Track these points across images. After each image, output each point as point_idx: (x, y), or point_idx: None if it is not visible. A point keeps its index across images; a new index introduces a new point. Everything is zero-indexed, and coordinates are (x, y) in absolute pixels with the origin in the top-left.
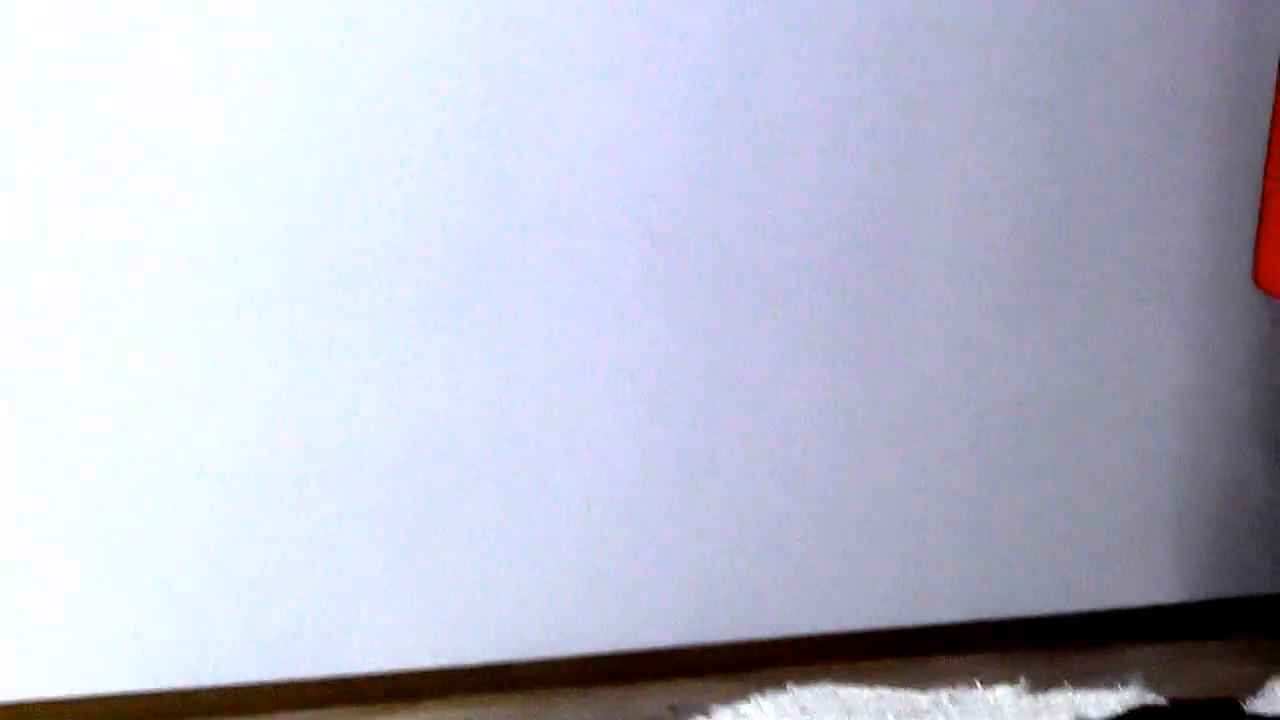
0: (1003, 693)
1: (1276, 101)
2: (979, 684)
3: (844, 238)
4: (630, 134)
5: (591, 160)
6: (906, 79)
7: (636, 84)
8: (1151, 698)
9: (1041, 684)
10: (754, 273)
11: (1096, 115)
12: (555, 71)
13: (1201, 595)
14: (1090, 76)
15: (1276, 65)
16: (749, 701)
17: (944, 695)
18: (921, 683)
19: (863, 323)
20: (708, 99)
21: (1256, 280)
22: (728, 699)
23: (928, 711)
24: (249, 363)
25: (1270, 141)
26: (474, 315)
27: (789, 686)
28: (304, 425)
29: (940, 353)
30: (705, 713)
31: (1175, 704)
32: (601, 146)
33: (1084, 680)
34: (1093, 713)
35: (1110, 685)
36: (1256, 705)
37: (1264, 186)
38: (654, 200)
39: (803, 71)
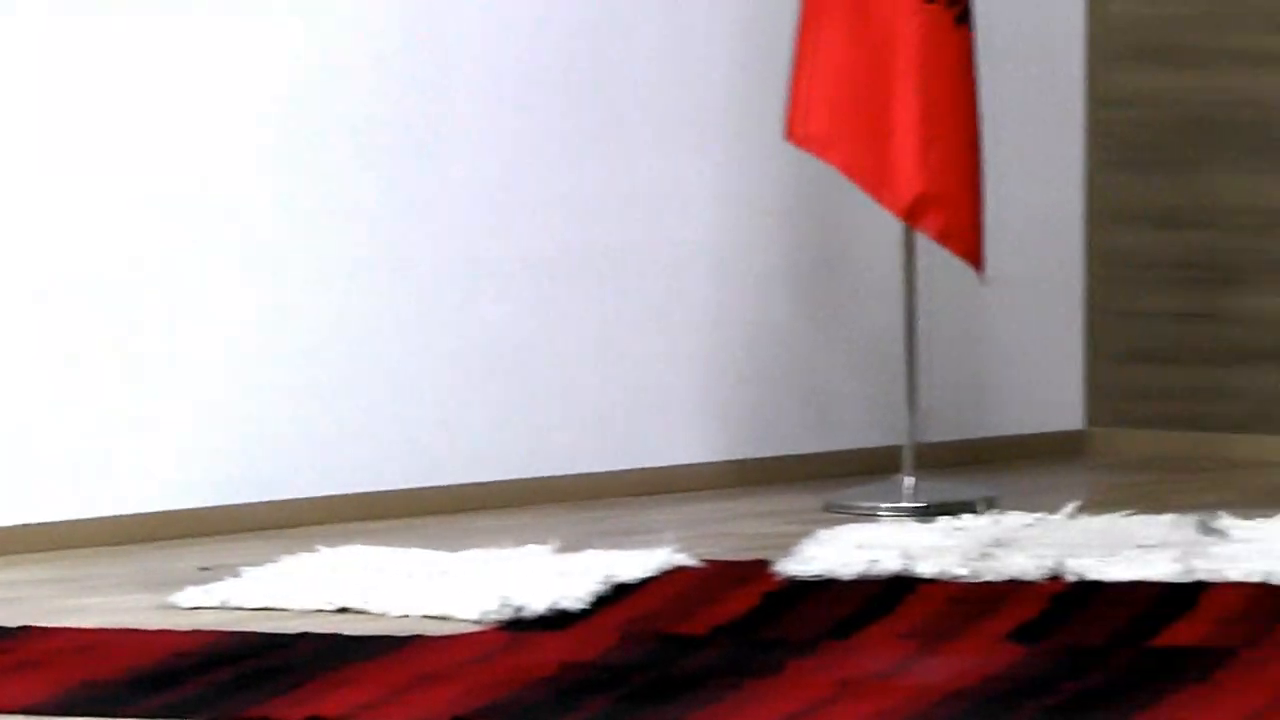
0: (534, 552)
1: None
2: (511, 543)
3: (372, 83)
4: None
5: None
6: None
7: None
8: (683, 559)
9: (573, 544)
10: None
11: None
12: None
13: (734, 455)
14: None
15: None
16: (278, 561)
17: (474, 555)
18: (454, 542)
19: (386, 183)
20: None
21: (788, 135)
22: (258, 559)
23: (457, 571)
24: None
25: (802, 4)
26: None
27: (319, 547)
28: None
29: (473, 202)
30: (235, 573)
31: (709, 565)
32: None
33: (617, 540)
34: (624, 573)
35: (643, 545)
36: (788, 565)
37: (796, 46)
38: None
39: None
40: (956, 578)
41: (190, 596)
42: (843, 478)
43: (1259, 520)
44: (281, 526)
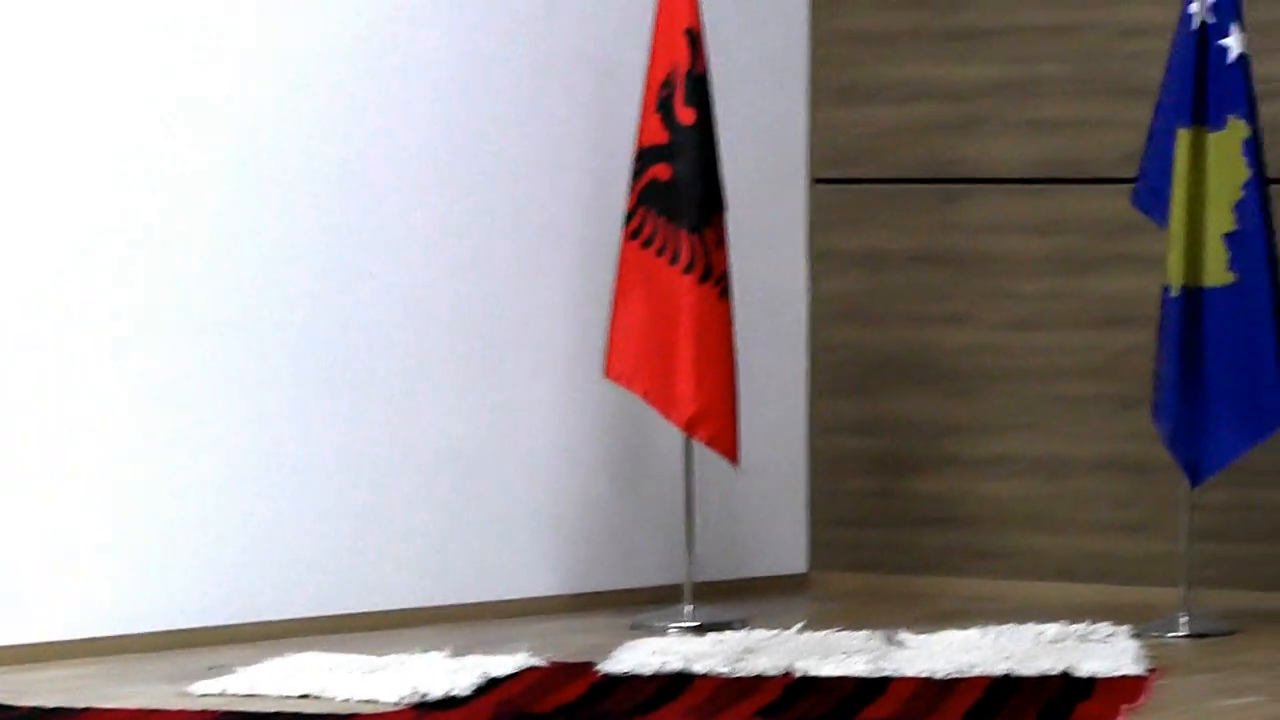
0: (433, 656)
1: (625, 235)
2: (418, 651)
3: (307, 321)
4: None
5: None
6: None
7: None
8: (534, 661)
9: (460, 651)
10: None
11: (500, 238)
12: None
13: (568, 590)
14: (486, 207)
15: (630, 186)
16: (262, 662)
17: (393, 659)
18: (379, 649)
19: (328, 381)
20: None
21: (605, 372)
22: (247, 661)
23: (382, 669)
24: None
25: (620, 258)
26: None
27: (288, 653)
28: None
29: (396, 409)
30: (232, 671)
31: (552, 665)
32: None
33: (491, 648)
34: (496, 670)
35: (506, 652)
36: (606, 665)
37: (611, 309)
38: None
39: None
40: (720, 674)
41: (201, 687)
42: (642, 605)
43: (926, 635)
44: (263, 639)
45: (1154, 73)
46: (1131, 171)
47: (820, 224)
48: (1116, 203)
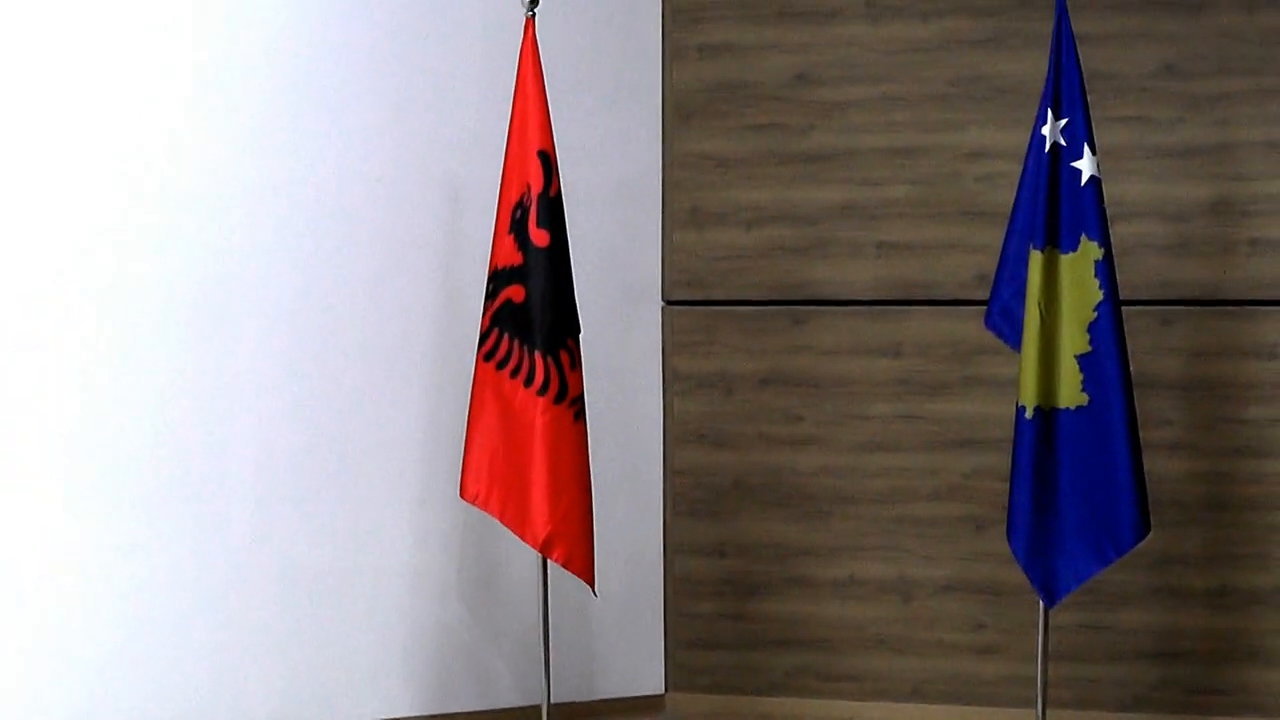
0: None
1: (479, 357)
2: None
3: (158, 441)
4: None
5: None
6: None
7: None
8: None
9: None
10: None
11: (352, 359)
12: None
13: (429, 711)
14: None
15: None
16: None
17: None
18: None
19: (181, 501)
20: None
21: (461, 493)
22: None
23: None
24: None
25: (474, 379)
26: None
27: None
28: None
29: (250, 530)
30: None
31: None
32: None
33: None
34: None
35: None
36: None
37: (467, 430)
38: None
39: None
40: None
41: None
42: None
43: None
44: None
45: (1000, 195)
46: (980, 293)
47: (673, 346)
48: (965, 325)
